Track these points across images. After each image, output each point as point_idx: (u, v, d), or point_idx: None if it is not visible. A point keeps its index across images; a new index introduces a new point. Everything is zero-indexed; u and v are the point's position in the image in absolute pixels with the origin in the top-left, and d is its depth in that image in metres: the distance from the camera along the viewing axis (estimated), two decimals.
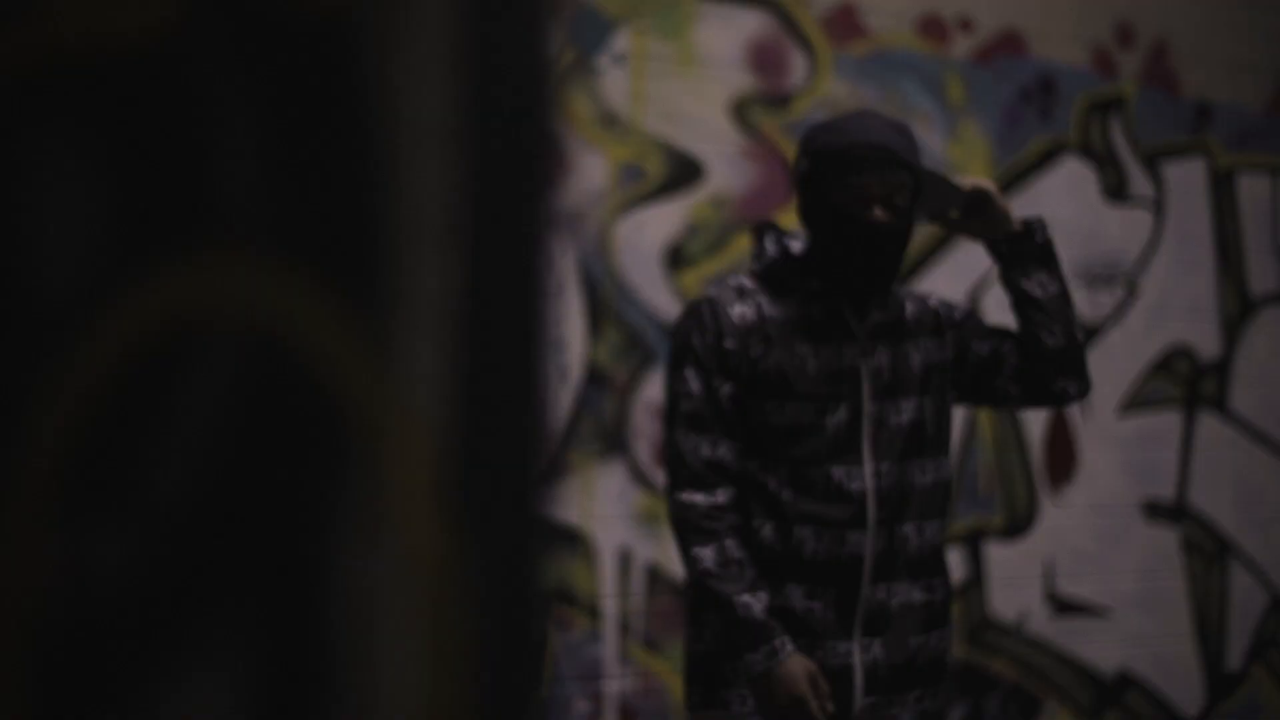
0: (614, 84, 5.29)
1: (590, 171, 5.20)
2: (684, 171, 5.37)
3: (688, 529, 3.39)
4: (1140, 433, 6.15)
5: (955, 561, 5.77)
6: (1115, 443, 6.09)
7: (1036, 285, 3.56)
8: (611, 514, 5.23)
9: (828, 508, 3.38)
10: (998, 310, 5.66)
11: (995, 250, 3.61)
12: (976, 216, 3.55)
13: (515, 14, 0.85)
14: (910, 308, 3.52)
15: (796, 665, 3.30)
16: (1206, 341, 6.29)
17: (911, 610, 3.45)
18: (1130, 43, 6.16)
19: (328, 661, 0.73)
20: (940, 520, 3.53)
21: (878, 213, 3.32)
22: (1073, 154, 6.05)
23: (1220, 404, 6.30)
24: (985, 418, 5.81)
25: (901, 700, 3.46)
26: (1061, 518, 5.98)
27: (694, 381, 3.40)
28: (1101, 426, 6.07)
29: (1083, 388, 3.58)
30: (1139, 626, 6.13)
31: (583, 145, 5.21)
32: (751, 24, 5.51)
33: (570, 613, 5.18)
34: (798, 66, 5.57)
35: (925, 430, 3.47)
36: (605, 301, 5.21)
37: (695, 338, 3.41)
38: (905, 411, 3.45)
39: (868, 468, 3.40)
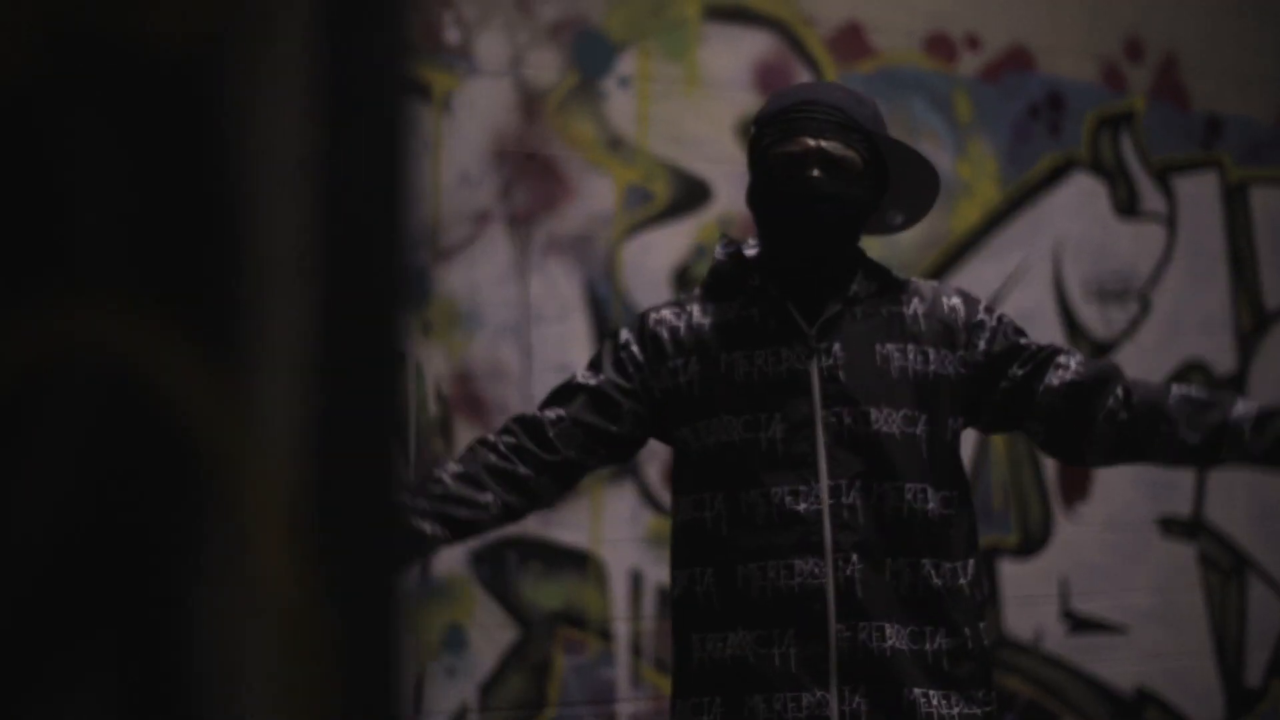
0: (620, 106, 5.29)
1: (597, 194, 5.21)
2: (691, 193, 5.37)
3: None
4: None
5: None
6: None
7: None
8: (622, 537, 5.22)
9: (772, 535, 2.95)
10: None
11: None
12: None
13: (373, 51, 0.86)
14: (916, 305, 3.10)
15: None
16: (1221, 356, 6.27)
17: (901, 659, 2.95)
18: (1139, 57, 6.14)
19: (186, 700, 0.73)
20: (948, 561, 3.01)
21: (815, 173, 2.97)
22: (1083, 169, 6.03)
23: None
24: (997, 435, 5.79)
25: None
26: (1076, 534, 5.95)
27: (579, 371, 3.15)
28: None
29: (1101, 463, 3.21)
30: (1156, 643, 6.10)
31: (588, 168, 5.22)
32: (757, 44, 5.51)
33: (582, 636, 5.18)
34: None
35: (909, 448, 3.01)
36: (613, 324, 5.21)
37: (604, 347, 3.18)
38: (875, 422, 2.99)
39: (823, 484, 2.96)
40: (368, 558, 0.85)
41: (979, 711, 3.04)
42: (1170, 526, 6.14)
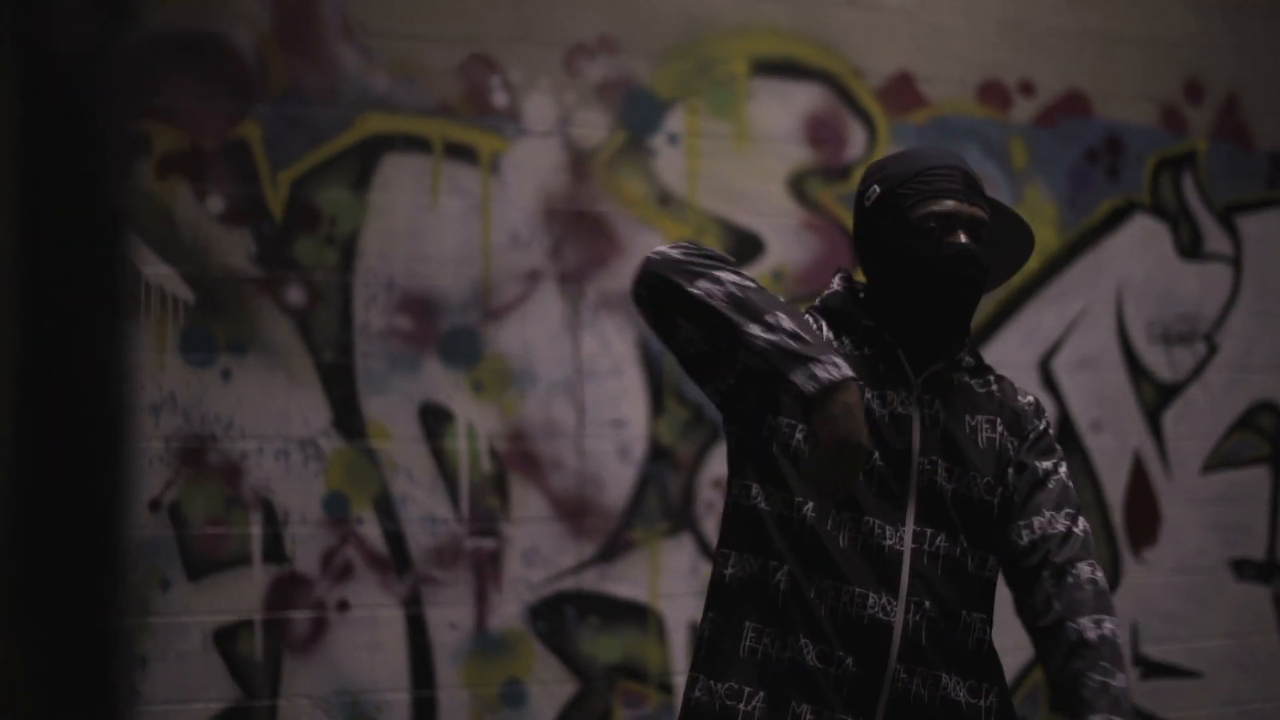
0: (669, 163, 5.35)
1: (646, 250, 5.25)
2: (743, 246, 5.41)
3: (674, 269, 2.91)
4: (1226, 490, 6.07)
5: None
6: (1200, 501, 6.02)
7: None
8: (680, 591, 5.26)
9: (854, 560, 2.99)
10: (1068, 372, 5.65)
11: None
12: None
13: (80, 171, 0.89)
14: (996, 388, 3.17)
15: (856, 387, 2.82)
16: None
17: (954, 710, 3.00)
18: (1200, 98, 6.12)
19: None
20: (989, 617, 3.07)
21: (963, 237, 3.02)
22: (1144, 212, 6.01)
23: None
24: None
25: None
26: (1146, 579, 5.91)
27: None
28: (1184, 486, 6.00)
29: None
30: (1233, 688, 6.03)
31: (639, 225, 5.28)
32: (807, 98, 5.55)
33: (642, 689, 5.21)
34: (856, 137, 5.60)
35: (983, 515, 3.05)
36: (667, 378, 5.25)
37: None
38: (959, 482, 3.05)
39: (909, 528, 3.01)
40: (76, 629, 0.88)
41: None
42: (1244, 569, 6.08)
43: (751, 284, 2.92)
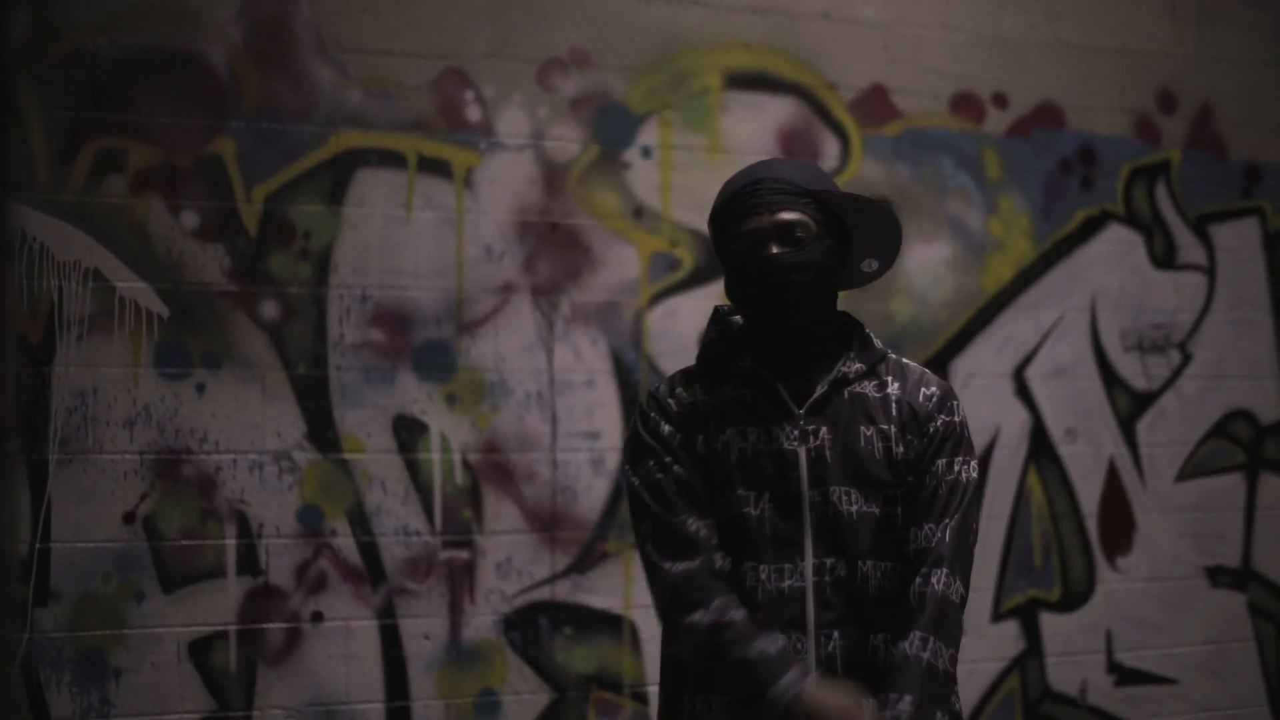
0: (642, 176, 5.39)
1: (621, 263, 5.30)
2: (716, 259, 5.43)
3: (676, 600, 3.03)
4: (1201, 498, 6.10)
5: (1010, 634, 5.76)
6: (1174, 509, 6.05)
7: None
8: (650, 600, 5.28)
9: (759, 609, 3.03)
10: (1042, 380, 5.68)
11: None
12: None
13: None
14: (896, 388, 3.19)
15: (825, 688, 2.92)
16: (1267, 403, 6.24)
17: None
18: (1173, 109, 6.15)
19: None
20: None
21: (774, 248, 3.06)
22: (1119, 222, 6.05)
23: None
24: (1036, 488, 5.81)
25: None
26: (1121, 587, 5.95)
27: (653, 469, 3.11)
28: (1159, 494, 6.03)
29: None
30: (1209, 695, 6.06)
31: (612, 237, 5.32)
32: (780, 111, 5.59)
33: (616, 699, 5.25)
34: (829, 150, 5.64)
35: (888, 527, 3.10)
36: (640, 390, 5.29)
37: (642, 431, 3.17)
38: (857, 502, 3.08)
39: (808, 563, 3.05)
40: None
41: None
42: (1219, 576, 6.12)
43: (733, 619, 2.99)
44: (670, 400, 3.18)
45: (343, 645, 4.96)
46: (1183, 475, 6.08)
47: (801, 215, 3.08)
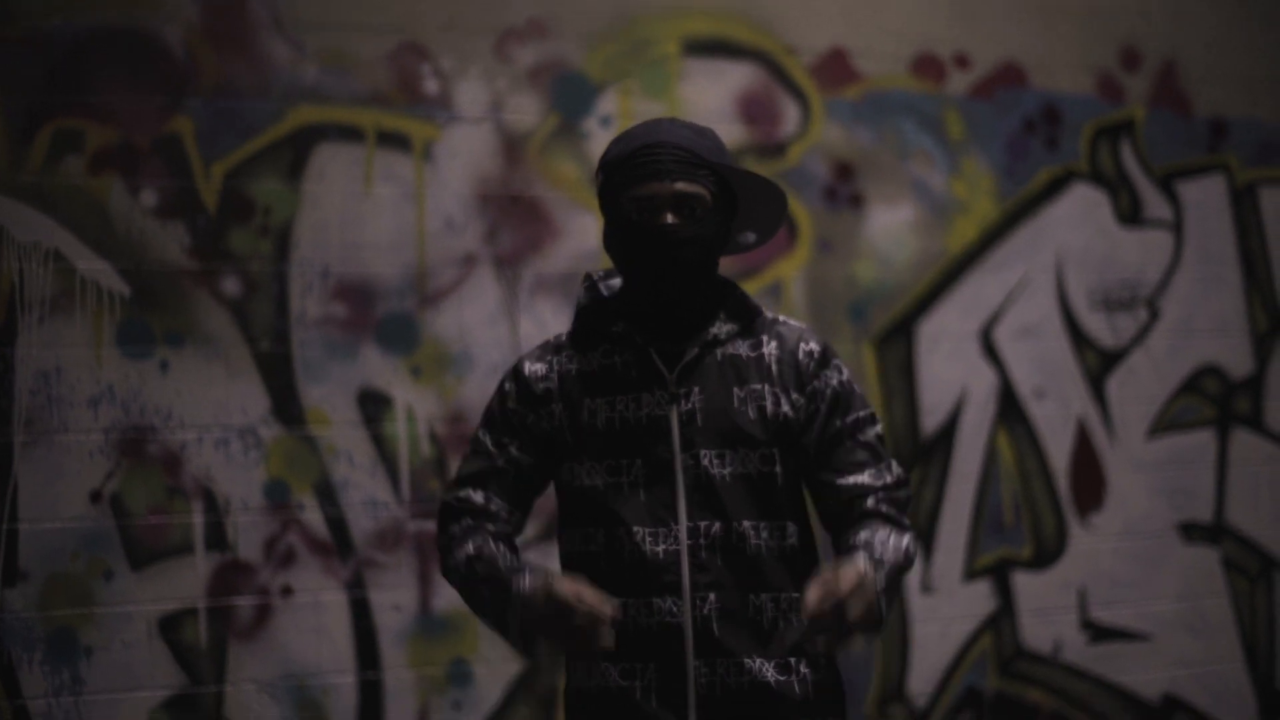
0: (602, 146, 5.36)
1: (582, 233, 5.32)
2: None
3: (442, 526, 3.17)
4: (1172, 455, 6.12)
5: (983, 593, 5.78)
6: (1145, 466, 6.07)
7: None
8: None
9: (633, 575, 3.03)
10: (1010, 341, 5.70)
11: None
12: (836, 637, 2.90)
13: None
14: (773, 347, 3.18)
15: (541, 580, 2.92)
16: (1237, 359, 6.25)
17: (765, 691, 3.05)
18: (1136, 66, 6.16)
19: None
20: (793, 590, 3.09)
21: (669, 219, 3.03)
22: (1083, 181, 6.05)
23: (1256, 421, 6.25)
24: (1005, 447, 5.82)
25: None
26: (1093, 544, 5.96)
27: (485, 442, 3.20)
28: (1130, 451, 6.05)
29: None
30: (1183, 650, 6.08)
31: (573, 207, 5.33)
32: (740, 77, 5.60)
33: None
34: (790, 115, 5.65)
35: (766, 487, 3.09)
36: None
37: (494, 402, 3.23)
38: (731, 463, 3.07)
39: (682, 526, 3.04)
40: None
41: None
42: (1192, 532, 6.13)
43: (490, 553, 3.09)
44: (529, 374, 3.19)
45: (313, 618, 4.99)
46: (1154, 432, 6.09)
47: (699, 189, 3.06)
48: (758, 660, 3.04)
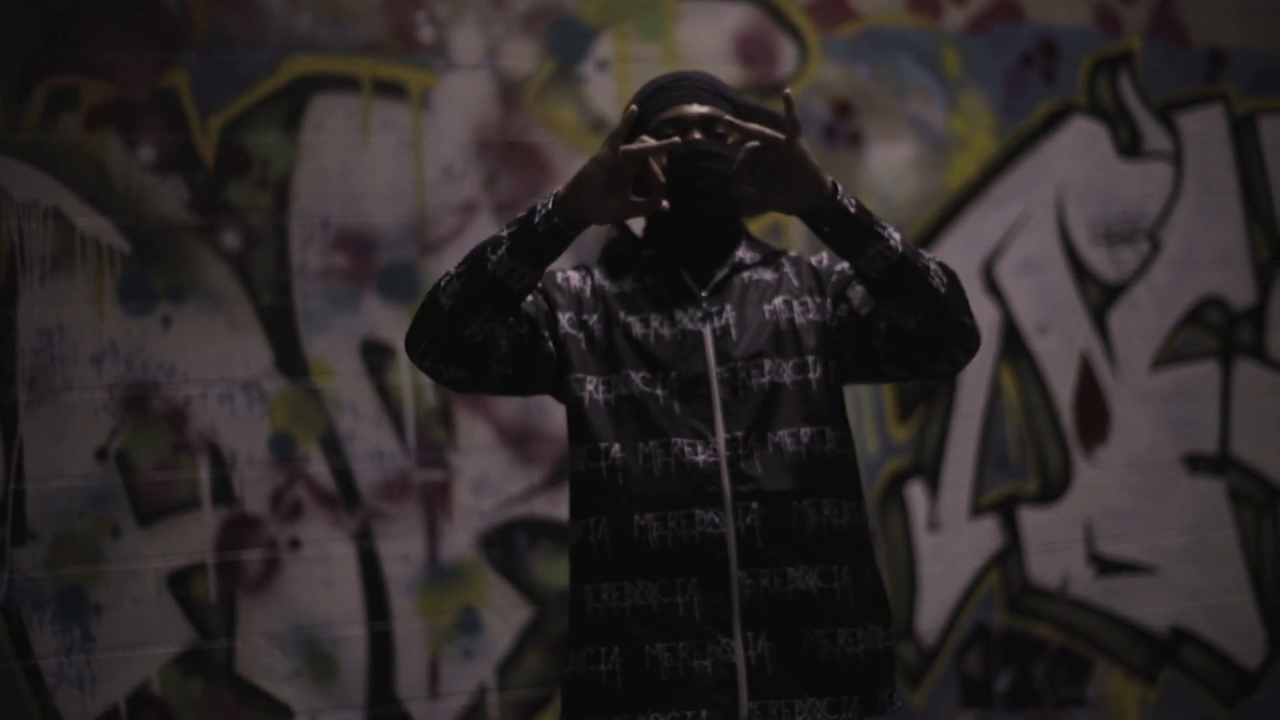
0: (600, 90, 5.38)
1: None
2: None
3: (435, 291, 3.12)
4: (1176, 386, 6.11)
5: (990, 529, 5.78)
6: (1150, 399, 6.06)
7: (875, 261, 3.02)
8: None
9: (670, 486, 3.08)
10: (1011, 276, 5.69)
11: (819, 233, 3.06)
12: (778, 180, 3.02)
13: None
14: (788, 266, 3.33)
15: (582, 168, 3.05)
16: (1239, 289, 6.24)
17: (807, 600, 3.10)
18: None
19: None
20: (847, 500, 3.19)
21: (697, 134, 3.22)
22: (1082, 114, 6.03)
23: (1258, 351, 6.24)
24: (1009, 383, 5.82)
25: (803, 707, 3.08)
26: (1098, 478, 5.96)
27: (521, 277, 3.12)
28: (1134, 384, 6.04)
29: (963, 352, 3.11)
30: (1190, 581, 6.09)
31: (572, 152, 5.31)
32: (736, 17, 5.57)
33: None
34: (787, 54, 5.63)
35: (802, 395, 3.16)
36: None
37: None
38: (769, 373, 3.15)
39: (720, 437, 3.10)
40: None
41: (880, 648, 3.20)
42: (1197, 464, 6.13)
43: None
44: (564, 277, 3.32)
45: (322, 570, 4.99)
46: (1157, 364, 6.09)
47: (724, 114, 3.24)
48: (801, 568, 3.09)
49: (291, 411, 4.98)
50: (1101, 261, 6.02)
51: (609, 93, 5.37)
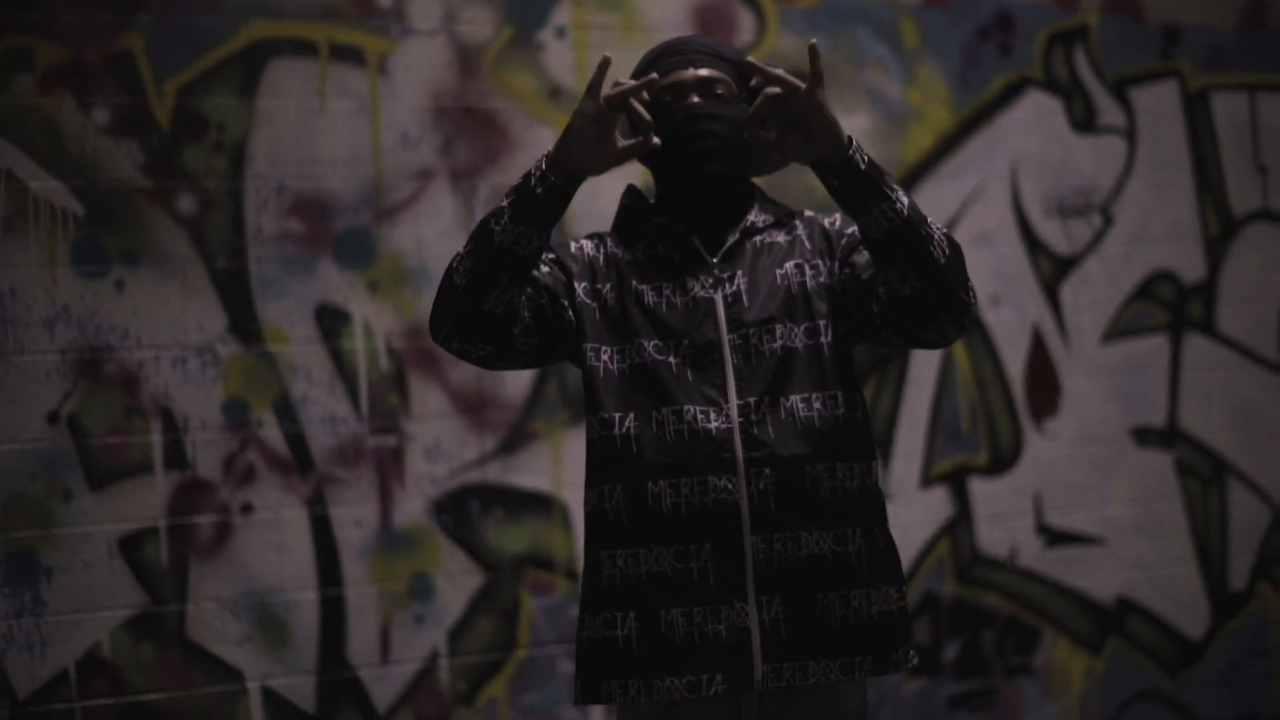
0: (557, 57, 5.37)
1: (539, 145, 5.29)
2: (635, 136, 5.42)
3: (437, 302, 3.19)
4: (1126, 360, 6.16)
5: (940, 500, 5.82)
6: (1100, 371, 6.11)
7: (879, 221, 3.05)
8: (583, 479, 5.32)
9: (684, 453, 3.11)
10: (966, 248, 5.70)
11: (828, 186, 3.11)
12: (795, 128, 3.09)
13: None
14: (801, 228, 3.32)
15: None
16: (1190, 264, 6.28)
17: (820, 564, 3.12)
18: None
19: None
20: (859, 462, 3.19)
21: (694, 98, 3.23)
22: (1037, 88, 6.06)
23: (1208, 325, 6.29)
24: (961, 354, 5.85)
25: (817, 669, 3.12)
26: (1048, 450, 6.01)
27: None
28: (1084, 356, 6.08)
29: (955, 325, 3.14)
30: (1137, 553, 6.15)
31: (530, 119, 5.31)
32: None
33: (549, 577, 5.30)
34: (745, 24, 5.63)
35: (814, 359, 3.19)
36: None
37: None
38: (781, 339, 3.17)
39: (732, 404, 3.14)
40: None
41: (894, 608, 3.23)
42: (1145, 436, 6.18)
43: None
44: (578, 245, 3.33)
45: (274, 535, 4.99)
46: (1107, 338, 6.13)
47: (723, 75, 3.27)
48: (815, 533, 3.12)
49: (245, 376, 4.98)
50: (1054, 235, 6.05)
51: (567, 60, 5.37)
